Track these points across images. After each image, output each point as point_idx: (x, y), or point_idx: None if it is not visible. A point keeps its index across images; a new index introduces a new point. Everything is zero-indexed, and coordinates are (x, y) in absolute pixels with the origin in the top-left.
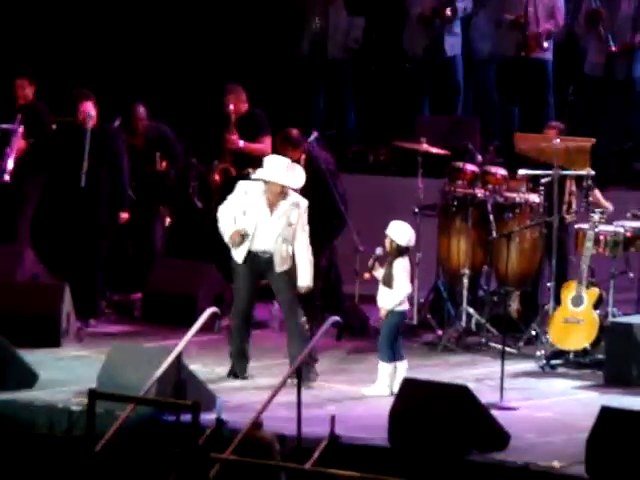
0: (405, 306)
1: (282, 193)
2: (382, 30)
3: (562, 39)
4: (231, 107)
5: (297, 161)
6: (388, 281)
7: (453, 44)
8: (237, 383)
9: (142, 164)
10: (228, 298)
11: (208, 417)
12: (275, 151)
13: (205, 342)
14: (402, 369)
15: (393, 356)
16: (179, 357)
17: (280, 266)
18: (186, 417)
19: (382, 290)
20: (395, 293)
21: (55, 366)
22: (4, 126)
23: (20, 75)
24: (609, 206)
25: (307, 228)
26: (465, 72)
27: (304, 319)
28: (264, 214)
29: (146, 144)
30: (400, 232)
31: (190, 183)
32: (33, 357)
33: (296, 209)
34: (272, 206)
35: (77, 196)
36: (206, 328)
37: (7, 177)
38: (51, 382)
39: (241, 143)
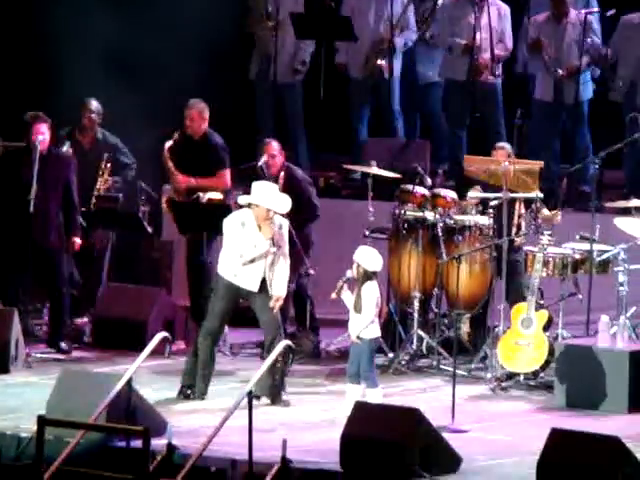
0: (377, 331)
1: (268, 218)
2: (332, 54)
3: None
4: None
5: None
6: (358, 307)
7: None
8: (188, 407)
9: (89, 170)
10: (178, 323)
11: (159, 442)
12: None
13: (155, 367)
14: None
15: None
16: (129, 382)
17: (270, 286)
18: (137, 443)
19: (353, 316)
20: (364, 318)
21: (4, 392)
22: None
23: None
24: (559, 219)
25: (287, 246)
26: (409, 96)
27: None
28: (263, 242)
29: (94, 149)
30: (367, 257)
31: (140, 207)
32: None
33: (280, 231)
34: (263, 232)
35: (27, 222)
36: (156, 353)
37: None
38: None
39: (193, 181)
